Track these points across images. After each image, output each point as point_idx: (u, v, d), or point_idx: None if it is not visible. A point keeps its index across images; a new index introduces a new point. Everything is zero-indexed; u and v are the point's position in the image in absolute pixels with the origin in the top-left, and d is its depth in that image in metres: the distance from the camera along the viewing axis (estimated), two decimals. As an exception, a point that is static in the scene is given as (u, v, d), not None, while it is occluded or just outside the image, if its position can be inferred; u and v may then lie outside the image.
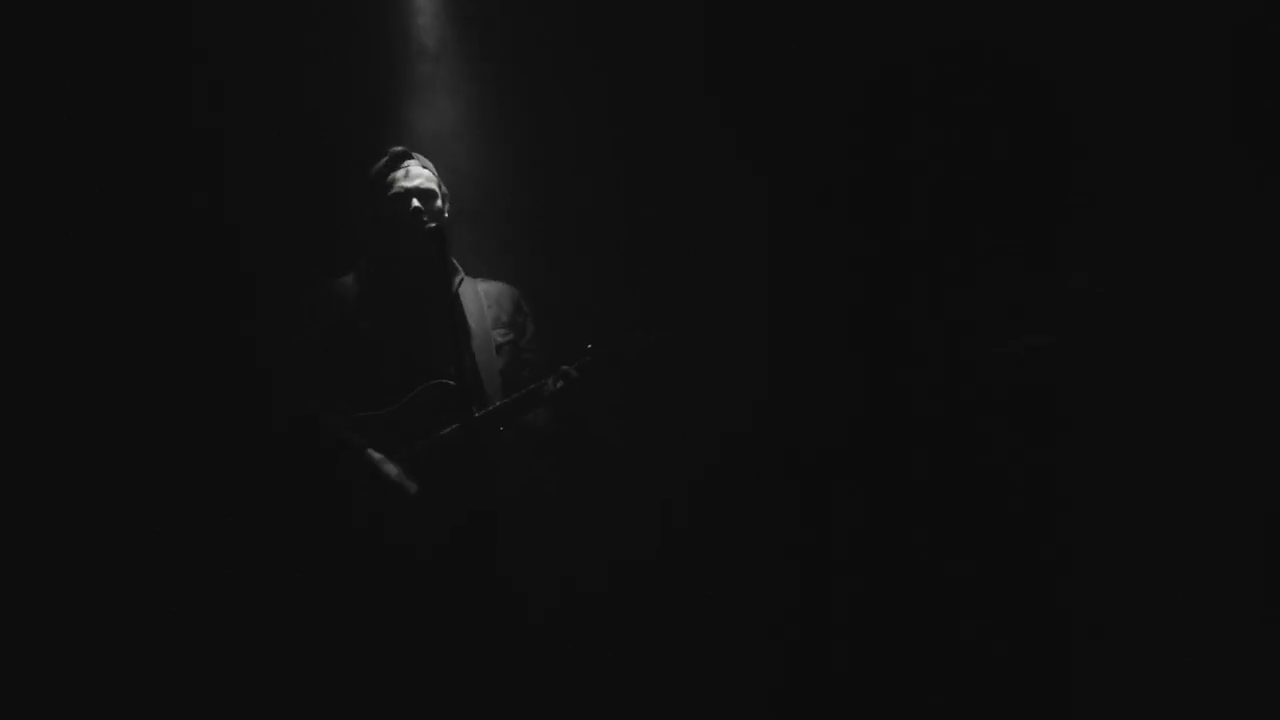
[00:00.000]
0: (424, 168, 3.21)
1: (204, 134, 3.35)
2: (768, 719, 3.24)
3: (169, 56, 3.34)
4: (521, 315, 3.32)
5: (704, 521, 3.44)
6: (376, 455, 3.05)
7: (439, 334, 3.02)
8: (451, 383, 2.99)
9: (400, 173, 3.18)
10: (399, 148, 3.24)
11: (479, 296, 3.28)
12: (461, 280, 3.27)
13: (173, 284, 3.34)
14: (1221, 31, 3.07)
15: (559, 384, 3.09)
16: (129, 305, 3.30)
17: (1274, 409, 2.95)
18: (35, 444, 3.16)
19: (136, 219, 3.32)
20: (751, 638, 3.29)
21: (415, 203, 3.13)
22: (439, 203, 3.19)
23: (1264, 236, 2.99)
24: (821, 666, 3.21)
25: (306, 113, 3.49)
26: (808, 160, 3.48)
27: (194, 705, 3.10)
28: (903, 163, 3.33)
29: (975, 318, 3.14)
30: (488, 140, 3.63)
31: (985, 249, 3.20)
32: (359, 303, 3.19)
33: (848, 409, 3.34)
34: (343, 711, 2.97)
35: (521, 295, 3.36)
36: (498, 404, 3.11)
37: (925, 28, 3.35)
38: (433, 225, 3.04)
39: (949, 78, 3.28)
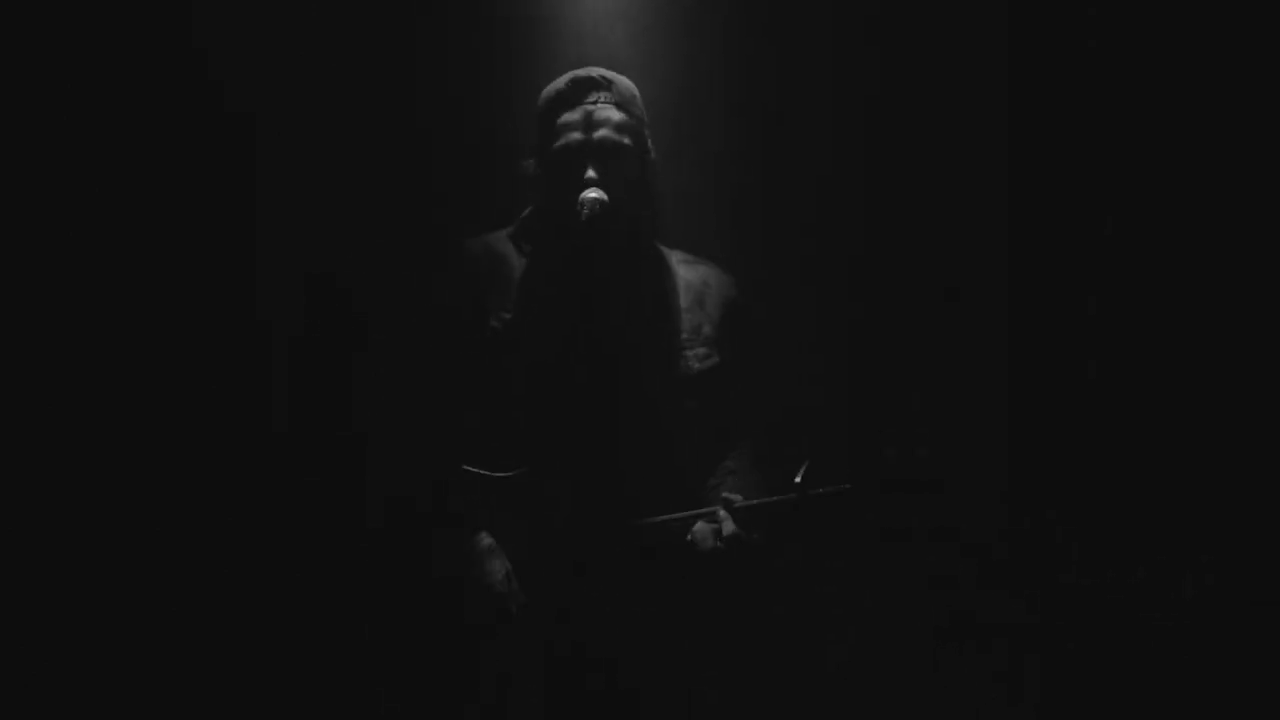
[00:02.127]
0: (620, 107, 2.22)
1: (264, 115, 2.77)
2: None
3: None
4: (738, 321, 2.33)
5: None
6: (486, 542, 2.15)
7: (601, 360, 2.19)
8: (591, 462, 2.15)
9: (577, 114, 2.21)
10: (588, 72, 2.25)
11: (673, 290, 2.30)
12: (665, 272, 2.32)
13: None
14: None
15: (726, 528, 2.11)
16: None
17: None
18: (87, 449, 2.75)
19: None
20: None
21: (590, 171, 2.17)
22: (626, 168, 2.20)
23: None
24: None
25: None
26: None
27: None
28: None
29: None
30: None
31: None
32: (497, 282, 2.25)
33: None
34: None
35: (741, 287, 2.37)
36: (661, 518, 2.15)
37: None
38: (590, 214, 2.12)
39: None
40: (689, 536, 2.12)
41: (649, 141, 2.29)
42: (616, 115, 2.22)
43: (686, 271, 2.33)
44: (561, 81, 2.25)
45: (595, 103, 2.21)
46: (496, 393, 2.21)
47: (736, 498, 2.14)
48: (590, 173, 2.17)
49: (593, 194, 2.15)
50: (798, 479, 2.08)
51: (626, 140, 2.22)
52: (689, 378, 2.25)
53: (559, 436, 2.16)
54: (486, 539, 2.15)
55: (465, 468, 2.18)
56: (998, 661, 2.70)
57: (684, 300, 2.29)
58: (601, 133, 2.20)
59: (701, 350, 2.27)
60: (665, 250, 2.37)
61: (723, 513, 2.12)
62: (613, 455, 2.17)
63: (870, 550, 2.52)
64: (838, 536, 2.25)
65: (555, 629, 2.12)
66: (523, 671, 2.12)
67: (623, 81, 2.27)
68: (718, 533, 2.10)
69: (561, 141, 2.21)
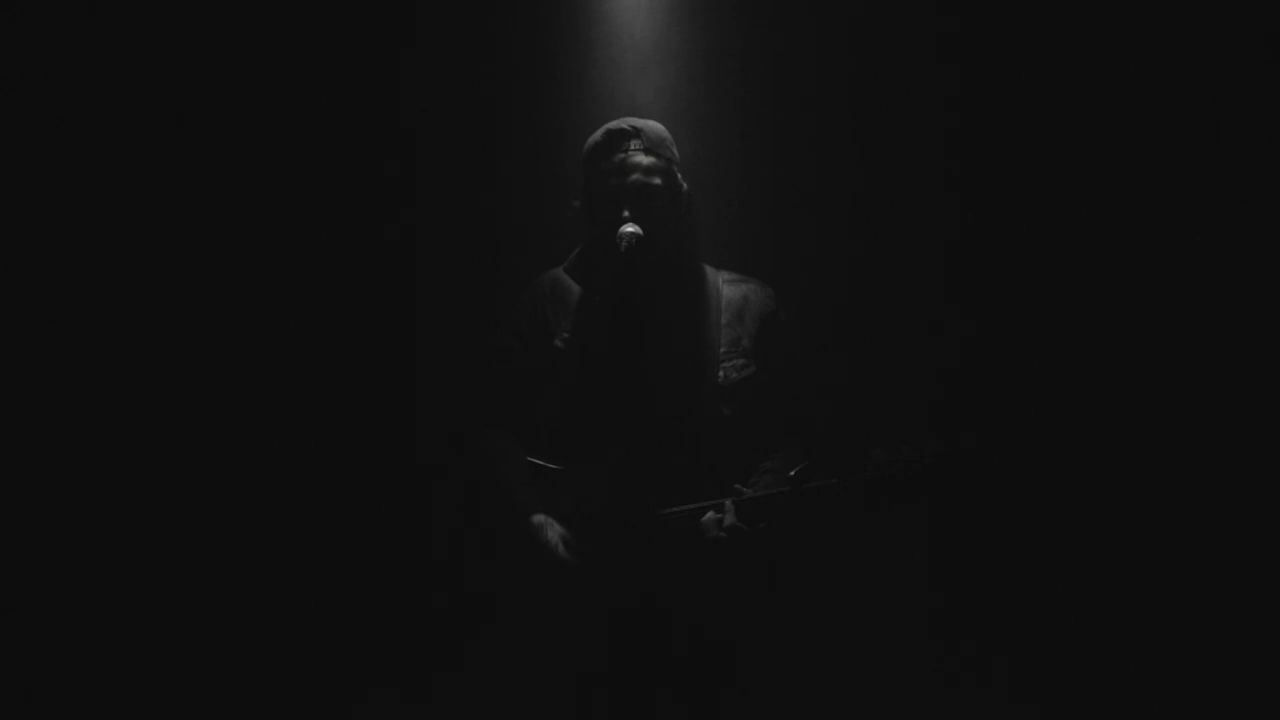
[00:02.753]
0: (648, 152, 2.56)
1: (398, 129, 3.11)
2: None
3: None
4: (774, 333, 2.63)
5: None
6: (539, 519, 2.52)
7: (642, 372, 2.52)
8: (637, 453, 2.49)
9: (614, 162, 2.55)
10: (619, 124, 2.59)
11: (714, 308, 2.61)
12: (697, 285, 2.64)
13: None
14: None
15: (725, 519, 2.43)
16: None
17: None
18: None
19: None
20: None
21: (625, 212, 2.51)
22: (658, 206, 2.55)
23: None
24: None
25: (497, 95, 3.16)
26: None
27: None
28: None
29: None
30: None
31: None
32: (560, 308, 2.64)
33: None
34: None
35: (780, 301, 2.67)
36: (683, 508, 2.47)
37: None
38: (628, 247, 2.46)
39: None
40: (699, 525, 2.45)
41: (679, 177, 2.62)
42: (646, 160, 2.55)
43: (730, 290, 2.64)
44: (598, 134, 2.62)
45: (627, 150, 2.55)
46: (559, 401, 2.59)
47: (746, 491, 2.45)
48: (625, 212, 2.51)
49: (629, 229, 2.50)
50: (792, 473, 2.39)
51: (656, 180, 2.55)
52: (726, 386, 2.55)
53: (608, 438, 2.52)
54: (539, 516, 2.52)
55: (530, 459, 2.58)
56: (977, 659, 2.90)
57: (725, 316, 2.60)
58: (633, 177, 2.54)
59: (739, 361, 2.57)
60: (711, 270, 2.69)
61: (729, 504, 2.43)
62: (654, 455, 2.50)
63: (857, 545, 2.77)
64: (830, 528, 2.51)
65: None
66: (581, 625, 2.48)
67: (652, 127, 2.61)
68: (720, 522, 2.42)
69: (600, 186, 2.56)
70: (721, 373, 2.55)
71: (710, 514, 2.43)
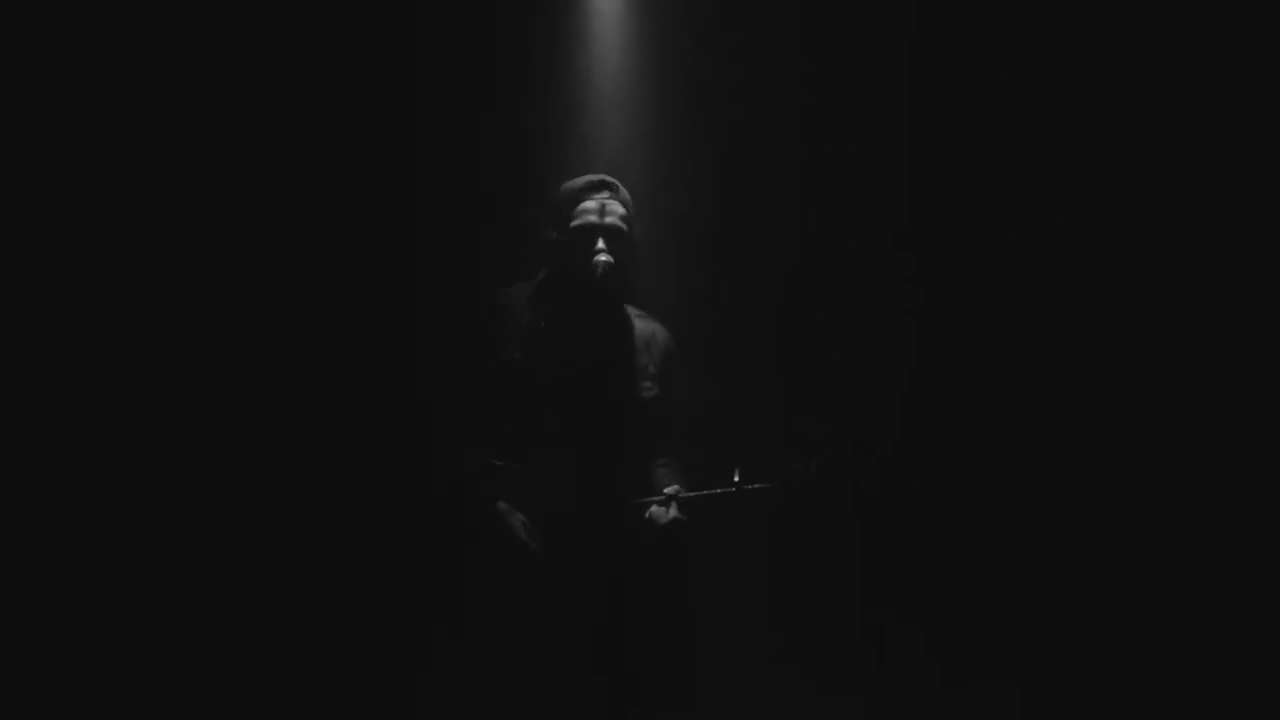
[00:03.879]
0: (621, 204, 3.11)
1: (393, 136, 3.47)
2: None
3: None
4: (671, 366, 3.19)
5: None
6: (503, 505, 3.01)
7: (590, 383, 3.04)
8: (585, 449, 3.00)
9: (594, 204, 3.09)
10: (602, 177, 3.14)
11: (632, 341, 3.16)
12: (628, 322, 3.18)
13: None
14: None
15: (669, 514, 2.99)
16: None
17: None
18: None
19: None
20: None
21: (600, 243, 3.04)
22: (623, 246, 3.08)
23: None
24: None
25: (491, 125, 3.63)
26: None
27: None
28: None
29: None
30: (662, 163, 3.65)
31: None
32: (519, 325, 3.11)
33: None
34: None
35: (673, 339, 3.23)
36: (639, 501, 3.03)
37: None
38: (603, 273, 2.99)
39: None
40: (646, 515, 3.04)
41: (635, 229, 3.13)
42: (620, 209, 3.09)
43: (640, 324, 3.20)
44: (583, 180, 3.13)
45: (607, 198, 3.09)
46: (512, 405, 3.07)
47: (675, 488, 3.02)
48: (600, 244, 3.03)
49: (603, 258, 3.02)
50: (735, 478, 2.95)
51: (624, 227, 3.08)
52: (640, 401, 3.10)
53: (554, 437, 3.02)
54: (503, 504, 3.01)
55: (488, 460, 3.01)
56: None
57: (640, 344, 3.16)
58: (610, 219, 3.07)
59: (647, 383, 3.12)
60: (624, 306, 3.24)
61: (673, 500, 3.01)
62: (590, 451, 3.05)
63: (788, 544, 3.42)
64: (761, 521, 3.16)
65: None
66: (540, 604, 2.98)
67: (624, 190, 3.16)
68: (665, 514, 2.99)
69: (580, 222, 3.06)
70: (635, 390, 3.10)
71: (656, 506, 3.01)
